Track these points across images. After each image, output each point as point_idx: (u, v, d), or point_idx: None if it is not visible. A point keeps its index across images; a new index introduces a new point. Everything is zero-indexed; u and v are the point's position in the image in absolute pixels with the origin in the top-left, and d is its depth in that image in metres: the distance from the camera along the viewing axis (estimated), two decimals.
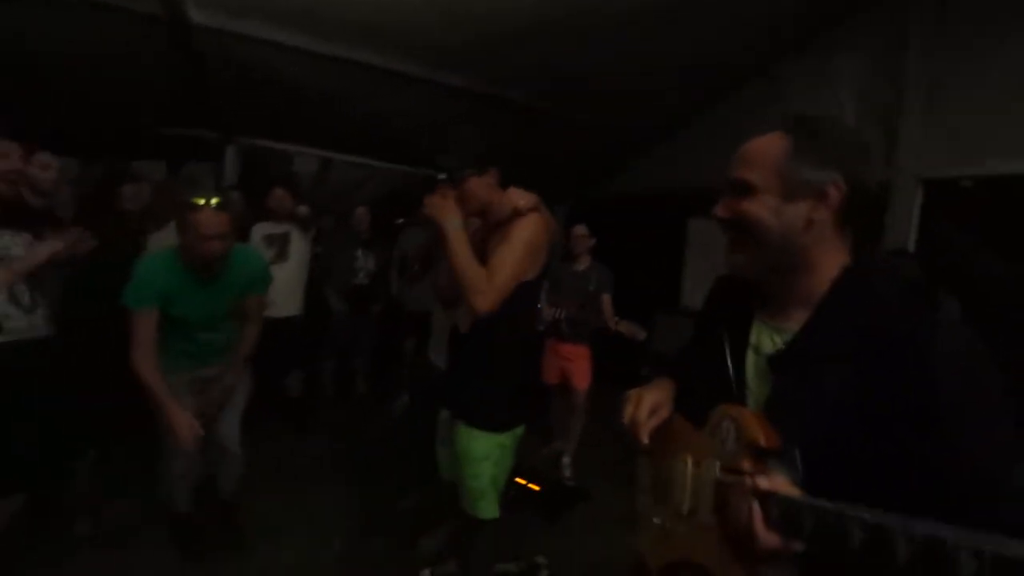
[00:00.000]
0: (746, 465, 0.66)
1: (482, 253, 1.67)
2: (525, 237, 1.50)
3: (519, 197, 1.57)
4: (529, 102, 3.65)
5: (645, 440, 0.86)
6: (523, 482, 2.76)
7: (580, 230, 3.19)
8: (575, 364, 3.11)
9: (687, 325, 3.77)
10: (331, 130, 4.19)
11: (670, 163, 4.63)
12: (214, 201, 1.72)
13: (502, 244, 1.51)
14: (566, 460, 3.13)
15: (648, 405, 0.88)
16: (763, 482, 0.62)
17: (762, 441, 0.66)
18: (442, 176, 1.73)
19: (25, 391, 1.67)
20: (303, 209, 3.19)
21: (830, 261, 0.74)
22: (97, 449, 2.23)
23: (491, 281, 1.46)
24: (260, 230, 3.13)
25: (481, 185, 1.61)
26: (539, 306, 2.13)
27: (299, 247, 3.20)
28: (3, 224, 1.66)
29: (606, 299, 3.14)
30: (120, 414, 2.81)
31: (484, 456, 1.65)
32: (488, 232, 1.71)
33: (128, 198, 2.81)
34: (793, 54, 3.52)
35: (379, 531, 2.43)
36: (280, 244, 3.10)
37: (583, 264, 3.20)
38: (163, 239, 2.45)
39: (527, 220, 1.52)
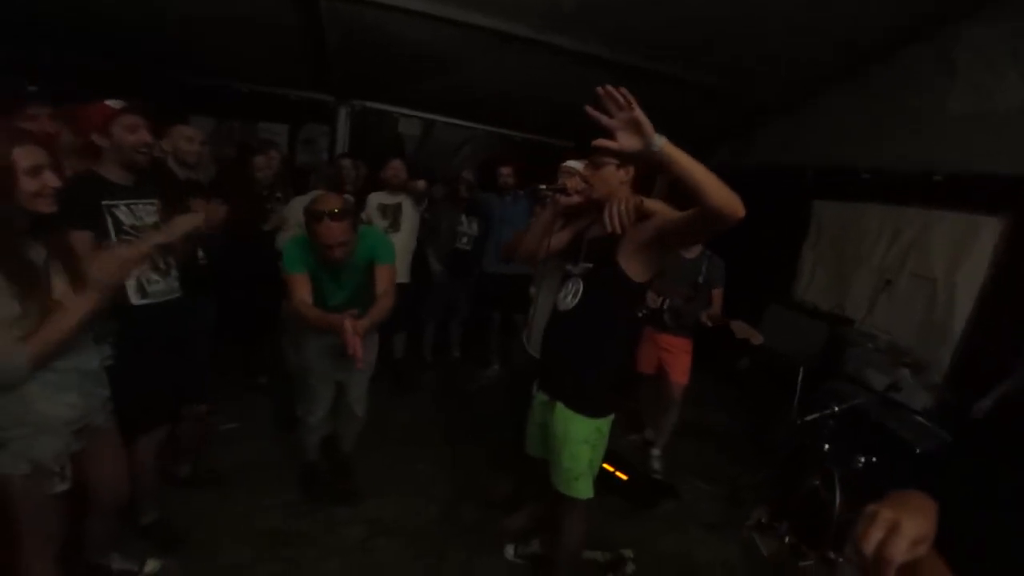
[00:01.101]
0: None
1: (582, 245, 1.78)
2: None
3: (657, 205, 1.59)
4: (639, 63, 3.36)
5: None
6: (611, 469, 2.77)
7: None
8: (675, 357, 2.99)
9: (801, 322, 3.45)
10: (436, 92, 4.19)
11: (795, 136, 4.13)
12: (335, 210, 1.81)
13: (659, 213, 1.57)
14: (655, 452, 3.09)
15: (909, 539, 0.64)
16: None
17: None
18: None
19: (165, 344, 1.88)
20: (420, 183, 3.27)
21: None
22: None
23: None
24: (375, 199, 3.26)
25: (616, 176, 1.70)
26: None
27: (410, 217, 3.31)
28: (141, 194, 1.78)
29: (716, 294, 2.94)
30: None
31: (583, 439, 1.72)
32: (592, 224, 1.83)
33: (259, 167, 3.03)
34: (966, 17, 2.87)
35: (471, 497, 2.59)
36: (393, 214, 3.22)
37: (693, 252, 3.00)
38: (297, 208, 2.61)
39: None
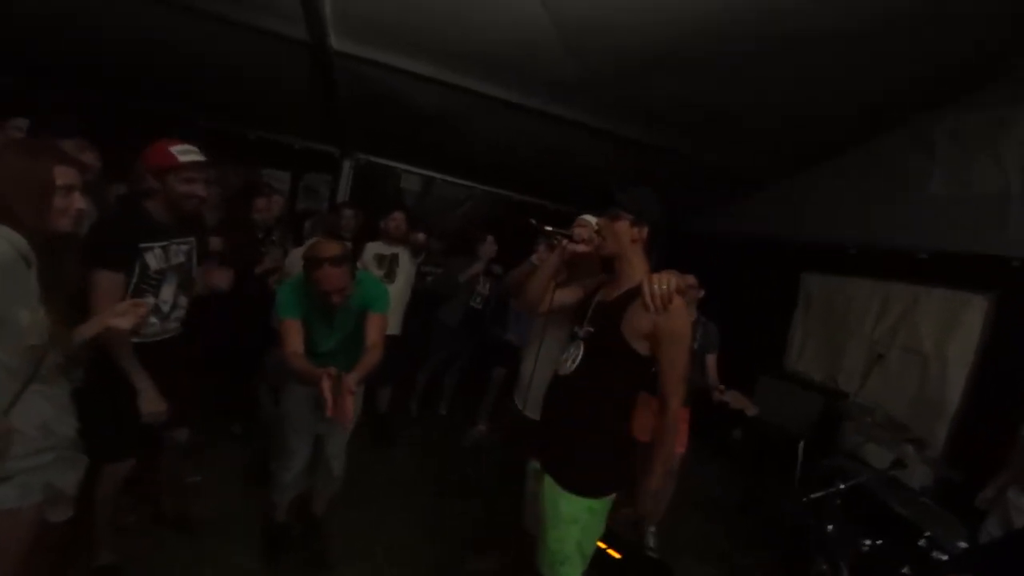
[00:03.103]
0: None
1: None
2: (687, 333, 1.55)
3: (680, 278, 1.55)
4: (637, 136, 3.52)
5: None
6: (603, 547, 2.59)
7: (689, 280, 2.99)
8: None
9: (794, 394, 3.40)
10: (438, 151, 4.33)
11: (784, 211, 4.28)
12: (334, 256, 1.79)
13: (673, 344, 1.53)
14: (651, 529, 2.92)
15: None
16: None
17: None
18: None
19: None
20: (420, 236, 3.28)
21: None
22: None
23: (677, 380, 1.55)
24: (372, 249, 3.25)
25: (629, 232, 1.61)
26: None
27: (406, 268, 3.29)
28: (178, 233, 1.84)
29: (711, 360, 2.91)
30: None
31: (572, 519, 1.57)
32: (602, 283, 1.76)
33: (259, 209, 3.03)
34: (945, 103, 3.04)
35: (451, 568, 2.39)
36: (389, 264, 3.20)
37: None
38: (296, 261, 2.58)
39: (683, 311, 1.53)
